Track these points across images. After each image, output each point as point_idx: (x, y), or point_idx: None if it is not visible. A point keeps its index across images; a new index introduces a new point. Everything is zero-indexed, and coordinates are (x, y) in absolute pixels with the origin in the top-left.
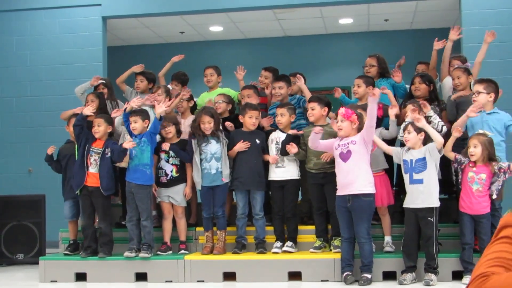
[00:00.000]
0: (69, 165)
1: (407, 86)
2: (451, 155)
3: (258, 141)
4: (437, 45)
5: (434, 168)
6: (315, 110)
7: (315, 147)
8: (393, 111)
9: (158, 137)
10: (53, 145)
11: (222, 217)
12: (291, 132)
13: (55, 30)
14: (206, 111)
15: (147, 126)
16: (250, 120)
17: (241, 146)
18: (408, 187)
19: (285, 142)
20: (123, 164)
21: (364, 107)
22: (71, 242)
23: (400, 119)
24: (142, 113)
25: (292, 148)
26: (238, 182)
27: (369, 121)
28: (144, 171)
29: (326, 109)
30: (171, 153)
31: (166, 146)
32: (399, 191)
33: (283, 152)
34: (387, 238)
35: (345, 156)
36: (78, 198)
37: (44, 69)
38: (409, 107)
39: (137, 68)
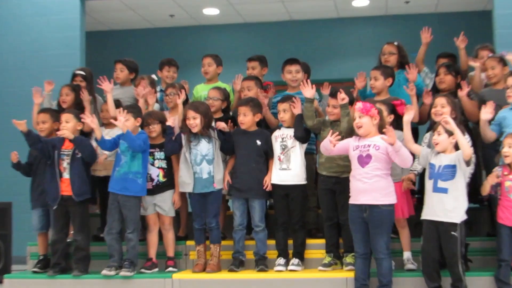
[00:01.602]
0: (40, 168)
1: (429, 78)
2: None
3: (259, 142)
4: (461, 42)
5: (463, 178)
6: (338, 109)
7: (328, 152)
8: (408, 116)
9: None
10: (15, 152)
11: (216, 228)
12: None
13: (24, 12)
14: (191, 105)
15: (140, 125)
16: (240, 118)
17: (221, 124)
18: (430, 195)
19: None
20: (102, 173)
21: (386, 103)
22: (41, 257)
23: (422, 119)
24: (134, 109)
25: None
26: (234, 189)
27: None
28: (134, 181)
29: (350, 107)
30: (157, 154)
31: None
32: (421, 199)
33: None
34: (407, 254)
35: (364, 160)
36: (49, 207)
37: (12, 58)
38: (439, 100)
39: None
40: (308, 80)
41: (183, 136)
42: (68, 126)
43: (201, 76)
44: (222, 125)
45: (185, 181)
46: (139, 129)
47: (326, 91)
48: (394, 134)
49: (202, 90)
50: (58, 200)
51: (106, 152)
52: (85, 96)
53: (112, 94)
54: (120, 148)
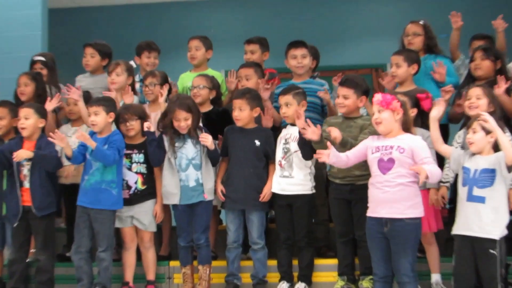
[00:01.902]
0: None
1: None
2: None
3: (257, 143)
4: (500, 25)
5: (503, 186)
6: (350, 100)
7: (344, 164)
8: (436, 112)
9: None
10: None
11: (206, 246)
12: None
13: None
14: (181, 104)
15: (112, 121)
16: (234, 113)
17: (206, 141)
18: (464, 205)
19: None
20: (68, 180)
21: (410, 96)
22: None
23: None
24: (106, 102)
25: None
26: (228, 198)
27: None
28: (108, 192)
29: (364, 98)
30: (135, 157)
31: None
32: (453, 209)
33: (306, 154)
34: (436, 277)
35: (386, 166)
36: (5, 220)
37: None
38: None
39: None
40: (308, 121)
41: (165, 138)
42: (27, 123)
43: (187, 63)
44: (207, 141)
45: (171, 191)
46: (112, 128)
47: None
48: (424, 174)
49: (188, 80)
50: (19, 216)
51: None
52: (50, 104)
53: (83, 101)
54: (89, 153)
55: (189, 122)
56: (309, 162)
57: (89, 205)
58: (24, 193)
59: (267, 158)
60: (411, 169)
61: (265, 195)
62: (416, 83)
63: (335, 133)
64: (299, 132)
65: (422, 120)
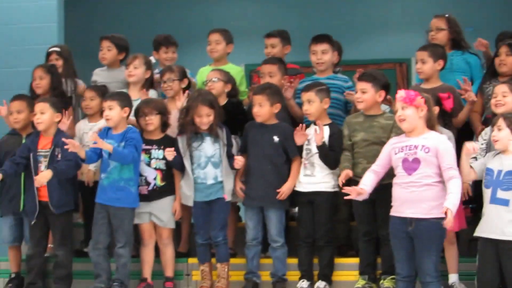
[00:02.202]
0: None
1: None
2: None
3: (276, 139)
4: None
5: None
6: (368, 94)
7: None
8: (468, 151)
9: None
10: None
11: (223, 244)
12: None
13: None
14: (204, 99)
15: (127, 116)
16: (254, 109)
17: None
18: (487, 207)
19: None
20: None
21: (433, 92)
22: (13, 276)
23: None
24: (121, 97)
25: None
26: (246, 195)
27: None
28: (127, 189)
29: (383, 93)
30: (154, 153)
31: (168, 153)
32: (477, 209)
33: (330, 165)
34: (454, 277)
35: (411, 166)
36: (22, 216)
37: None
38: (500, 88)
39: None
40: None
41: (179, 139)
42: (43, 118)
43: (206, 57)
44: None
45: (185, 192)
46: (127, 125)
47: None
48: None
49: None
50: (37, 213)
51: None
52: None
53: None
54: (106, 152)
55: (211, 118)
56: None
57: (108, 202)
58: (41, 188)
59: (288, 154)
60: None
61: (282, 193)
62: (442, 79)
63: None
64: (317, 147)
65: (444, 120)
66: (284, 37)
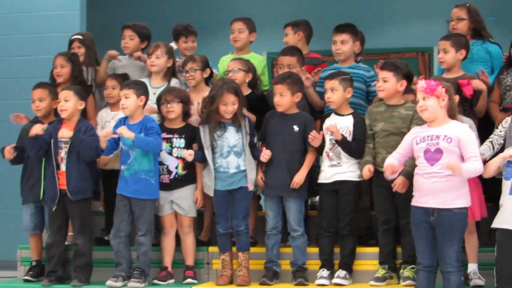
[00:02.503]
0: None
1: None
2: None
3: (296, 128)
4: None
5: None
6: (389, 83)
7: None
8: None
9: (156, 117)
10: (9, 147)
11: (245, 233)
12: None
13: None
14: (229, 87)
15: (144, 105)
16: (275, 98)
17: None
18: (506, 199)
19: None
20: (108, 165)
21: (454, 81)
22: (34, 263)
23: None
24: (137, 85)
25: (188, 156)
26: (266, 185)
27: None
28: (147, 181)
29: (405, 82)
30: (176, 141)
31: (188, 155)
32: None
33: (348, 150)
34: (473, 267)
35: (433, 157)
36: (43, 203)
37: None
38: None
39: (112, 53)
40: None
41: (201, 129)
42: (67, 106)
43: (228, 45)
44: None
45: (206, 183)
46: (143, 114)
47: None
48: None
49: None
50: (57, 200)
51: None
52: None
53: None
54: (125, 142)
55: (236, 106)
56: None
57: (129, 194)
58: (60, 176)
59: (305, 142)
60: (449, 167)
61: (294, 183)
62: (463, 69)
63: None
64: (336, 141)
65: (463, 107)
66: (306, 29)
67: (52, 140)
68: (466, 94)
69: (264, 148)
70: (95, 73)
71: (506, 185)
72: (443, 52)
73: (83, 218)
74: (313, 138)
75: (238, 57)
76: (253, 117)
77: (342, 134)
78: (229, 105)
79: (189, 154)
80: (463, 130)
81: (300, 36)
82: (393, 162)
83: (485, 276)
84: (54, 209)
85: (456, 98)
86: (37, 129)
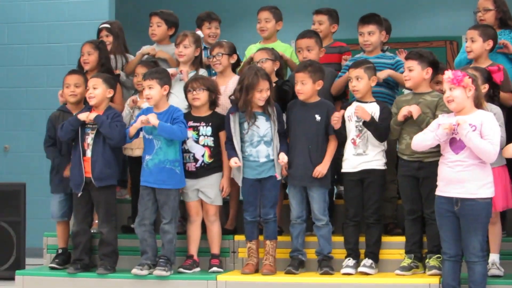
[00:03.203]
0: (64, 143)
1: None
2: None
3: (318, 117)
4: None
5: None
6: (414, 72)
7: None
8: None
9: (184, 107)
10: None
11: (273, 221)
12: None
13: None
14: (262, 74)
15: (167, 94)
16: (296, 87)
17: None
18: None
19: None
20: (136, 152)
21: (480, 69)
22: (60, 251)
23: None
24: (160, 75)
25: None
26: (289, 174)
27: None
28: (172, 171)
29: (430, 70)
30: (202, 129)
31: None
32: None
33: (381, 137)
34: (493, 257)
35: (459, 145)
36: (71, 190)
37: (26, 8)
38: None
39: (150, 50)
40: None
41: (231, 117)
42: (96, 93)
43: (254, 33)
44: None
45: (235, 173)
46: (168, 103)
47: (402, 56)
48: (366, 112)
49: (255, 50)
50: (82, 186)
51: None
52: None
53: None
54: (146, 131)
55: (269, 93)
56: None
57: (154, 185)
58: (86, 163)
59: (327, 131)
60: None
61: (317, 172)
62: (491, 59)
63: (413, 109)
64: (364, 123)
65: (494, 93)
66: (332, 15)
67: (79, 127)
68: (497, 81)
69: (282, 153)
70: (125, 60)
71: None
72: (471, 41)
73: (108, 206)
74: (337, 120)
75: (263, 47)
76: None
77: (372, 117)
78: (263, 92)
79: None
80: (488, 117)
81: (334, 28)
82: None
83: (509, 266)
84: (79, 195)
85: (486, 87)
86: (85, 116)
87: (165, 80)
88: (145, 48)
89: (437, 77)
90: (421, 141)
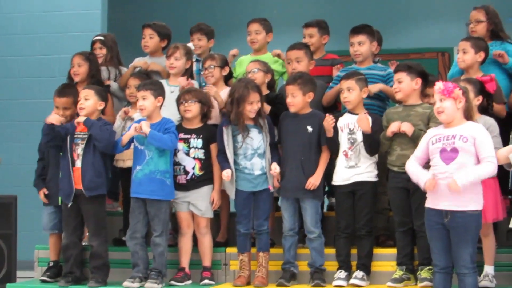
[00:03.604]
0: (52, 155)
1: None
2: None
3: (310, 129)
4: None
5: None
6: (404, 83)
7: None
8: None
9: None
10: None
11: (266, 233)
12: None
13: None
14: (253, 86)
15: (160, 106)
16: (288, 100)
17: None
18: None
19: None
20: (127, 163)
21: (470, 79)
22: (51, 264)
23: None
24: (154, 86)
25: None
26: (282, 186)
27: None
28: (163, 182)
29: (419, 80)
30: (193, 142)
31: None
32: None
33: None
34: (488, 269)
35: (449, 156)
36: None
37: (20, 19)
38: None
39: (142, 64)
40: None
41: (225, 130)
42: (86, 104)
43: (246, 45)
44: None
45: (227, 185)
46: (161, 116)
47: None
48: (367, 124)
49: (247, 63)
50: (72, 196)
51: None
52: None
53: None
54: (139, 141)
55: (259, 105)
56: None
57: (144, 195)
58: (75, 174)
59: (319, 142)
60: (449, 186)
61: (310, 184)
62: (481, 70)
63: (406, 127)
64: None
65: (487, 104)
66: (321, 27)
67: (68, 136)
68: (490, 90)
69: (274, 163)
70: (118, 73)
71: None
72: (463, 52)
73: (98, 219)
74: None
75: (256, 59)
76: (267, 108)
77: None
78: (254, 104)
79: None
80: (479, 130)
81: (325, 40)
82: (430, 178)
83: (503, 278)
84: (69, 205)
85: (480, 99)
86: (54, 119)
87: (159, 91)
88: (137, 61)
89: (425, 90)
90: (411, 174)
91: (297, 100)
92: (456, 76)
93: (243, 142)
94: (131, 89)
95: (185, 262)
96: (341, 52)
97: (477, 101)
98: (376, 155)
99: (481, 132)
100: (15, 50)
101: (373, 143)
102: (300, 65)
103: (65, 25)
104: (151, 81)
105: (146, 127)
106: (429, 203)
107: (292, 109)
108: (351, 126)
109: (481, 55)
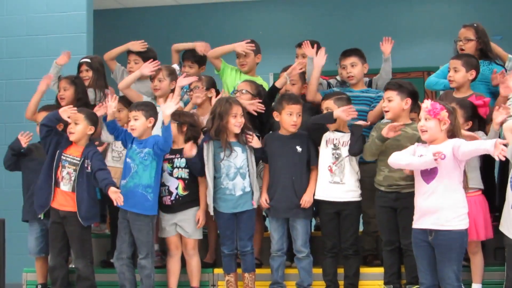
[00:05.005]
0: (35, 170)
1: None
2: None
3: (299, 149)
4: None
5: None
6: (393, 103)
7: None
8: (499, 116)
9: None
10: (29, 133)
11: (251, 253)
12: (360, 122)
13: None
14: (234, 100)
15: (152, 127)
16: (289, 119)
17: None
18: (509, 211)
19: (354, 140)
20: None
21: (463, 102)
22: (39, 287)
23: None
24: (146, 107)
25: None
26: (271, 207)
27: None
28: (144, 196)
29: (409, 100)
30: (177, 162)
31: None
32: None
33: (355, 149)
34: (476, 287)
35: (429, 175)
36: (47, 225)
37: (5, 43)
38: None
39: (136, 46)
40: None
41: (205, 146)
42: (76, 129)
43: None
44: (255, 143)
45: (208, 203)
46: (151, 133)
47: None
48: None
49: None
50: (46, 209)
51: (109, 139)
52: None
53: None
54: (130, 156)
55: (243, 119)
56: (357, 167)
57: (126, 207)
58: (57, 196)
59: (308, 163)
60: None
61: (304, 202)
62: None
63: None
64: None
65: (479, 127)
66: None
67: (57, 151)
68: (482, 114)
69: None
70: (103, 96)
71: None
72: (454, 70)
73: (82, 241)
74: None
75: (250, 80)
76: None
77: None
78: (238, 117)
79: (190, 147)
80: (457, 141)
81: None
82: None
83: None
84: (41, 217)
85: (469, 124)
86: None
87: (151, 113)
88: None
89: (413, 109)
90: (397, 160)
91: (299, 120)
92: (437, 88)
93: (224, 159)
94: (116, 113)
95: (173, 283)
96: (327, 73)
97: (466, 126)
98: (359, 173)
99: (460, 141)
100: (0, 74)
101: (360, 138)
102: (294, 87)
103: (51, 48)
104: (143, 101)
105: (167, 119)
106: (415, 223)
107: (292, 129)
108: (335, 141)
109: (472, 73)
